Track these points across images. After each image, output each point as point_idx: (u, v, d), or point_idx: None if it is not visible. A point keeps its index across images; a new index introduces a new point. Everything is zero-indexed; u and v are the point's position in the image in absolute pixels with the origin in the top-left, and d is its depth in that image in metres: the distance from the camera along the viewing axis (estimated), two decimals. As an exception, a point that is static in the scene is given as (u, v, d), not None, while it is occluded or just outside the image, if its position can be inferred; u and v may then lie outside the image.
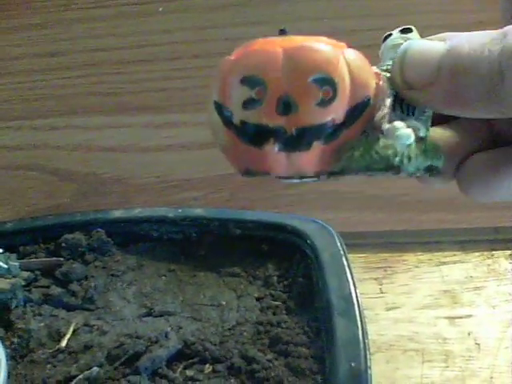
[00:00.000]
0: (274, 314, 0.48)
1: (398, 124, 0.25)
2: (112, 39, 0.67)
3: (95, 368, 0.43)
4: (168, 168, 0.65)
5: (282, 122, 0.24)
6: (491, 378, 0.49)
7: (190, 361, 0.45)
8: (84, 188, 0.65)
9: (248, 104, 0.24)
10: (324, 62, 0.24)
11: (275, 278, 0.51)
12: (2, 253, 0.48)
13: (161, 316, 0.49)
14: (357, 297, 0.45)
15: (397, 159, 0.25)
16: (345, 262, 0.48)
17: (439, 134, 0.28)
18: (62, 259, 0.51)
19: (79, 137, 0.65)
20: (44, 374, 0.44)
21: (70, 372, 0.43)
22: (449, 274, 0.60)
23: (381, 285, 0.59)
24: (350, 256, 0.49)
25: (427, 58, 0.25)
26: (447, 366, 0.51)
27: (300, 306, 0.48)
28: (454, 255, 0.62)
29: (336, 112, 0.24)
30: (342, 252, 0.49)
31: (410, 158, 0.25)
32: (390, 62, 0.26)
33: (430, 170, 0.26)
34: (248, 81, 0.24)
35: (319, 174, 0.26)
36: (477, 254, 0.62)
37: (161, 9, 0.66)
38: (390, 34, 0.28)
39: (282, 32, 0.26)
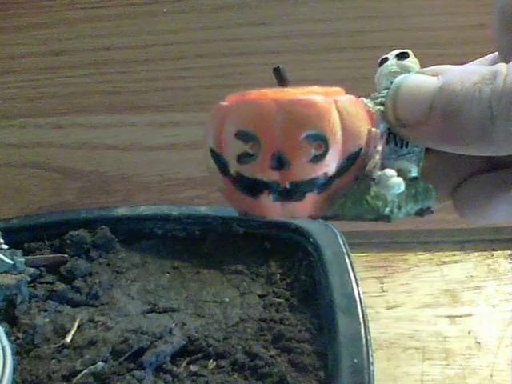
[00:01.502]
0: (276, 311, 0.48)
1: (389, 172, 0.25)
2: (116, 39, 0.68)
3: (100, 363, 0.44)
4: (171, 167, 0.66)
5: (275, 176, 0.24)
6: (491, 376, 0.50)
7: (194, 356, 0.45)
8: (88, 186, 0.65)
9: (242, 158, 0.25)
10: (316, 118, 0.24)
11: (278, 275, 0.52)
12: (8, 249, 0.48)
13: (164, 312, 0.49)
14: (359, 295, 0.46)
15: (387, 209, 0.26)
16: (347, 261, 0.49)
17: (434, 157, 0.28)
18: (66, 256, 0.52)
19: (83, 135, 0.66)
20: (49, 369, 0.44)
21: (74, 367, 0.44)
22: (449, 274, 0.60)
23: (382, 283, 0.60)
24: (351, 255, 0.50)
25: (419, 96, 0.24)
26: (448, 364, 0.51)
27: (302, 304, 0.49)
28: (455, 255, 0.62)
29: (328, 166, 0.25)
30: (344, 250, 0.50)
31: (400, 207, 0.26)
32: (385, 93, 0.26)
33: (420, 213, 0.27)
34: (242, 135, 0.25)
35: (313, 218, 0.26)
36: (477, 253, 0.62)
37: (165, 9, 0.67)
38: (386, 59, 0.28)
39: (276, 70, 0.27)
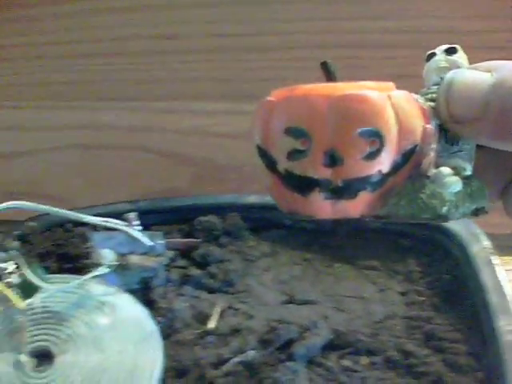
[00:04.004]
0: (421, 309, 0.47)
1: (445, 170, 0.24)
2: (230, 26, 0.67)
3: (251, 352, 0.42)
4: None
5: (327, 173, 0.24)
6: None
7: (342, 351, 0.44)
8: (200, 173, 0.64)
9: (293, 155, 0.24)
10: (371, 114, 0.23)
11: (416, 273, 0.50)
12: (147, 230, 0.47)
13: (303, 304, 0.48)
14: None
15: (444, 209, 0.24)
16: (495, 261, 0.47)
17: (483, 156, 0.27)
18: (199, 241, 0.51)
19: (197, 121, 0.65)
20: (194, 356, 0.43)
21: (222, 355, 0.42)
22: None
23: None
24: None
25: (474, 92, 0.24)
26: None
27: (446, 303, 0.47)
28: None
29: (383, 163, 0.24)
30: (490, 250, 0.48)
31: (457, 207, 0.25)
32: (435, 89, 0.26)
33: (476, 213, 0.26)
34: (292, 132, 0.24)
35: (364, 217, 0.25)
36: None
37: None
38: (434, 54, 0.27)
39: (324, 65, 0.26)
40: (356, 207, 0.25)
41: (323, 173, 0.24)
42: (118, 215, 0.48)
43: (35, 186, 0.69)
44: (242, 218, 0.53)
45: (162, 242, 0.47)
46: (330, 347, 0.44)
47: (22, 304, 0.41)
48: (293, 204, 0.25)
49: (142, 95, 0.66)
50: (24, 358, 0.40)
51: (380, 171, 0.24)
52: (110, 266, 0.45)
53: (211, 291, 0.49)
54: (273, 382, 0.40)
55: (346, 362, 0.43)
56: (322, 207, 0.25)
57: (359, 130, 0.23)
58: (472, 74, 0.24)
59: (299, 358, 0.42)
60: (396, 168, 0.24)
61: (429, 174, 0.25)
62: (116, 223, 0.47)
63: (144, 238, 0.47)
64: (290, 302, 0.48)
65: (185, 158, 0.65)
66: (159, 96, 0.66)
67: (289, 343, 0.43)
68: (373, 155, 0.23)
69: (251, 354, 0.42)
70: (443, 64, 0.26)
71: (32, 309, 0.43)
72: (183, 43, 0.66)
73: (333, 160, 0.23)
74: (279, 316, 0.46)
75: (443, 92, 0.25)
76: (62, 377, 0.39)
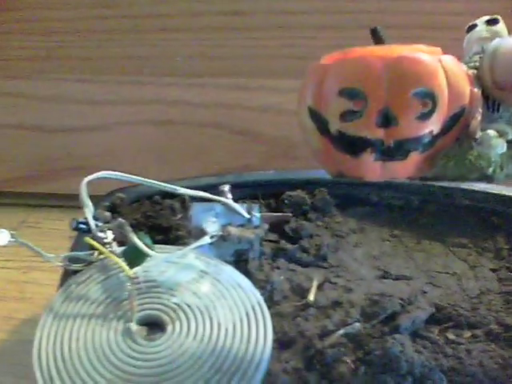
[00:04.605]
0: (515, 285, 0.47)
1: (491, 133, 0.25)
2: (295, 3, 0.66)
3: (357, 324, 0.42)
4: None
5: (380, 134, 0.24)
6: None
7: (444, 325, 0.44)
8: (273, 150, 0.64)
9: (347, 115, 0.24)
10: (425, 76, 0.24)
11: (505, 251, 0.50)
12: (245, 202, 0.48)
13: (398, 280, 0.48)
14: None
15: (490, 169, 0.25)
16: None
17: None
18: (291, 215, 0.51)
19: (270, 99, 0.65)
20: (297, 328, 0.43)
21: (326, 327, 0.43)
22: None
23: None
24: None
25: None
26: None
27: (539, 281, 0.47)
28: None
29: (434, 124, 0.24)
30: None
31: (502, 168, 0.26)
32: (477, 58, 0.26)
33: None
34: (347, 93, 0.24)
35: (412, 178, 0.26)
36: None
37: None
38: (475, 25, 0.28)
39: (374, 31, 0.26)
40: (406, 168, 0.25)
41: (376, 133, 0.24)
42: (204, 188, 0.49)
43: (105, 161, 0.69)
44: (328, 193, 0.53)
45: (259, 214, 0.47)
46: (431, 321, 0.44)
47: (130, 272, 0.41)
48: (342, 165, 0.26)
49: (213, 71, 0.66)
50: (134, 326, 0.40)
51: (431, 132, 0.25)
52: (212, 237, 0.45)
53: (305, 265, 0.49)
54: (383, 353, 0.40)
55: (450, 335, 0.43)
56: (372, 168, 0.25)
57: (414, 91, 0.24)
58: None
59: (404, 331, 0.42)
60: (446, 130, 0.25)
61: (476, 136, 0.26)
62: (212, 196, 0.47)
63: (242, 211, 0.47)
64: (385, 277, 0.48)
65: (257, 135, 0.65)
66: (231, 73, 0.66)
67: (392, 316, 0.43)
68: (425, 116, 0.24)
69: (357, 326, 0.42)
70: (485, 34, 0.27)
71: (136, 278, 0.43)
72: (248, 20, 0.66)
73: (387, 120, 0.24)
74: (378, 290, 0.46)
75: (488, 59, 0.25)
76: (175, 345, 0.39)
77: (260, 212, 0.48)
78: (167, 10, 0.65)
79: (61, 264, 0.45)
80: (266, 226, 0.48)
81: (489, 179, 0.26)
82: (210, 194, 0.48)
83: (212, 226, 0.45)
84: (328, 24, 0.65)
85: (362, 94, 0.24)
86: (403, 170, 0.26)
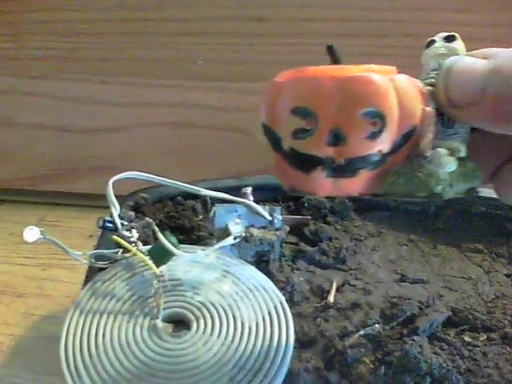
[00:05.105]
0: (530, 291, 0.48)
1: (442, 151, 0.25)
2: (318, 10, 0.68)
3: (376, 325, 0.43)
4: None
5: (331, 152, 0.25)
6: None
7: (460, 328, 0.45)
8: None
9: (298, 133, 0.25)
10: (375, 96, 0.24)
11: (520, 257, 0.51)
12: (266, 205, 0.49)
13: (416, 283, 0.49)
14: None
15: (439, 187, 0.26)
16: None
17: (476, 140, 0.28)
18: (310, 218, 0.52)
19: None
20: (317, 328, 0.44)
21: (346, 327, 0.44)
22: None
23: None
24: None
25: (472, 78, 0.24)
26: None
27: (553, 287, 0.49)
28: None
29: (384, 143, 0.25)
30: None
31: (451, 186, 0.26)
32: (433, 74, 0.26)
33: (469, 192, 0.27)
34: (299, 111, 0.25)
35: (362, 195, 0.27)
36: None
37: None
38: (433, 41, 0.28)
39: (330, 48, 0.27)
40: (356, 185, 0.26)
41: (327, 151, 0.25)
42: (225, 190, 0.50)
43: (125, 162, 0.70)
44: (347, 198, 0.54)
45: (280, 216, 0.49)
46: (448, 324, 0.45)
47: (157, 271, 0.42)
48: (295, 181, 0.27)
49: (231, 76, 0.68)
50: (160, 323, 0.41)
51: (380, 151, 0.25)
52: (236, 238, 0.46)
53: (324, 267, 0.50)
54: (402, 354, 0.41)
55: (466, 338, 0.44)
56: (323, 185, 0.26)
57: (363, 111, 0.24)
58: (470, 61, 0.25)
59: (421, 333, 0.43)
60: (396, 148, 0.26)
61: (427, 154, 0.26)
62: (235, 198, 0.48)
63: (265, 213, 0.48)
64: (402, 281, 0.49)
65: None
66: (246, 77, 0.67)
67: (410, 318, 0.44)
68: (375, 135, 0.25)
69: (377, 328, 0.43)
70: (442, 51, 0.27)
71: (162, 276, 0.44)
72: (269, 26, 0.67)
73: (337, 139, 0.25)
74: (396, 293, 0.47)
75: (442, 77, 0.26)
76: (200, 342, 0.40)
77: (282, 214, 0.49)
78: (190, 14, 0.66)
79: (86, 261, 0.46)
80: (287, 229, 0.49)
81: (437, 197, 0.26)
82: (231, 196, 0.49)
83: (236, 227, 0.46)
84: (349, 32, 0.66)
85: (313, 113, 0.25)
86: (353, 186, 0.26)
